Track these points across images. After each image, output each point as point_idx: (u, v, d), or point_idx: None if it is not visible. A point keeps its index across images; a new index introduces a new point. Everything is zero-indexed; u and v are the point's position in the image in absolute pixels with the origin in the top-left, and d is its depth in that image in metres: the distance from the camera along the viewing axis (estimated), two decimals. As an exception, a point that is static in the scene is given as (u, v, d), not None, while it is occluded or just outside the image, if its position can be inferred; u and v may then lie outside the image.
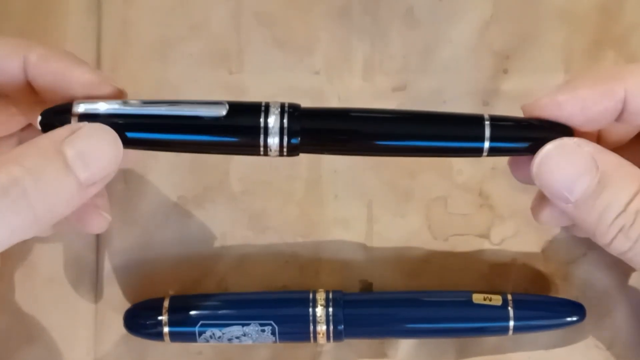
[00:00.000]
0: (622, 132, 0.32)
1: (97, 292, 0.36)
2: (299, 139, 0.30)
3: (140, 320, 0.35)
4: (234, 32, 0.37)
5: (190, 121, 0.29)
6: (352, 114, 0.31)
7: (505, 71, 0.37)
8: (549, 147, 0.29)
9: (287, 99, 0.36)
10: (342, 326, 0.34)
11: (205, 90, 0.37)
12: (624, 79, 0.29)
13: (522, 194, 0.36)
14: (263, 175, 0.37)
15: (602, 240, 0.29)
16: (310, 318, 0.34)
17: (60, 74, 0.29)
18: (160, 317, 0.34)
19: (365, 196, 0.37)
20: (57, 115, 0.29)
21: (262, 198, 0.37)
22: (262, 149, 0.30)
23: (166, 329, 0.34)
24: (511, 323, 0.34)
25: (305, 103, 0.36)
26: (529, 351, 0.36)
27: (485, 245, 0.37)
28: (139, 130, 0.29)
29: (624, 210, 0.28)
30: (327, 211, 0.37)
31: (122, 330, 0.35)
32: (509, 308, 0.34)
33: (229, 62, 0.37)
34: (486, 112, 0.36)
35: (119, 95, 0.30)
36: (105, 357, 0.36)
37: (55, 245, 0.36)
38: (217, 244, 0.37)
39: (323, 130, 0.30)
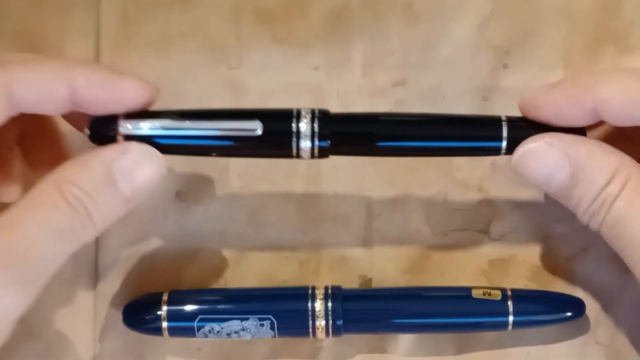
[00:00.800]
0: None
1: (96, 287, 0.36)
2: (329, 142, 0.31)
3: (139, 315, 0.35)
4: (233, 28, 0.37)
5: (226, 140, 0.32)
6: (379, 118, 0.33)
7: (505, 66, 0.37)
8: (522, 150, 0.31)
9: (286, 95, 0.37)
10: (341, 321, 0.34)
11: (205, 86, 0.37)
12: (593, 90, 0.30)
13: (522, 189, 0.36)
14: (262, 171, 0.37)
15: (581, 221, 0.31)
16: (309, 313, 0.34)
17: (110, 90, 0.30)
18: (158, 312, 0.34)
19: (364, 192, 0.37)
20: (104, 126, 0.31)
21: (262, 194, 0.37)
22: (294, 152, 0.31)
23: (165, 324, 0.34)
24: (510, 318, 0.34)
25: (305, 99, 0.37)
26: (528, 346, 0.36)
27: (485, 240, 0.37)
28: (177, 143, 0.32)
29: (595, 200, 0.30)
30: (327, 207, 0.37)
31: (121, 325, 0.35)
32: (509, 303, 0.34)
33: (228, 58, 0.37)
34: (485, 107, 0.36)
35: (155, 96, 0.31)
36: (105, 352, 0.36)
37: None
38: (217, 239, 0.37)
39: (351, 134, 0.32)
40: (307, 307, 0.34)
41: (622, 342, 0.36)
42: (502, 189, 0.37)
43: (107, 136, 0.31)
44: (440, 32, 0.37)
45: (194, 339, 0.35)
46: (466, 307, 0.34)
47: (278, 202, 0.37)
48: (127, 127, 0.31)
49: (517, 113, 0.36)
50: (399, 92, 0.37)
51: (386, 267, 0.37)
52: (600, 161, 0.30)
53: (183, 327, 0.34)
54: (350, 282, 0.37)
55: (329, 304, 0.34)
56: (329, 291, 0.35)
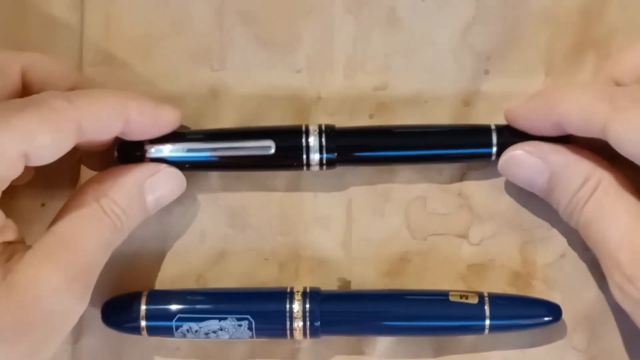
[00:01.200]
0: None
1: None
2: (336, 154, 0.34)
3: (117, 313, 0.35)
4: (216, 30, 0.37)
5: (241, 159, 0.35)
6: (380, 130, 0.36)
7: (486, 72, 0.37)
8: (505, 157, 0.34)
9: (269, 97, 0.37)
10: (319, 323, 0.34)
11: (188, 88, 0.37)
12: (556, 106, 0.32)
13: (501, 195, 0.37)
14: (243, 173, 0.37)
15: (563, 219, 0.34)
16: (287, 314, 0.34)
17: (155, 120, 0.34)
18: (137, 311, 0.34)
19: (344, 195, 0.37)
20: (131, 148, 0.35)
21: (242, 196, 0.37)
22: (305, 165, 0.35)
23: (143, 323, 0.34)
24: (487, 322, 0.34)
25: (287, 101, 0.37)
26: (505, 350, 0.36)
27: (464, 245, 0.37)
28: (195, 161, 0.35)
29: (570, 202, 0.33)
30: (307, 210, 0.37)
31: (100, 324, 0.35)
32: (485, 307, 0.34)
33: (211, 60, 0.37)
34: (467, 112, 0.37)
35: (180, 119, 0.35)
36: (82, 350, 0.36)
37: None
38: (197, 240, 0.37)
39: (355, 146, 0.35)
40: (285, 308, 0.34)
41: (599, 347, 0.36)
42: (481, 194, 0.37)
43: (135, 157, 0.35)
44: (422, 36, 0.37)
45: (173, 338, 0.35)
46: (443, 311, 0.35)
47: (258, 204, 0.37)
48: (153, 149, 0.34)
49: (498, 119, 0.36)
50: (380, 96, 0.37)
51: (365, 270, 0.37)
52: (574, 167, 0.33)
53: (161, 326, 0.35)
54: (329, 285, 0.37)
55: (307, 306, 0.34)
56: (307, 292, 0.35)
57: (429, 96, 0.37)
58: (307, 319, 0.34)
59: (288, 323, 0.34)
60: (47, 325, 0.30)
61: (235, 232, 0.37)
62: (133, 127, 0.33)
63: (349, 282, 0.37)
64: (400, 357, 0.36)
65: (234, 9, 0.37)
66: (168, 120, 0.34)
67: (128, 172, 0.34)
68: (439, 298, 0.35)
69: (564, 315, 0.35)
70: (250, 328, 0.34)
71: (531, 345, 0.36)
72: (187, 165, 0.35)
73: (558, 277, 0.36)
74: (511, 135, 0.35)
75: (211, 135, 0.35)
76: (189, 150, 0.35)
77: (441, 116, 0.37)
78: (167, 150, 0.35)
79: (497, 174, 0.36)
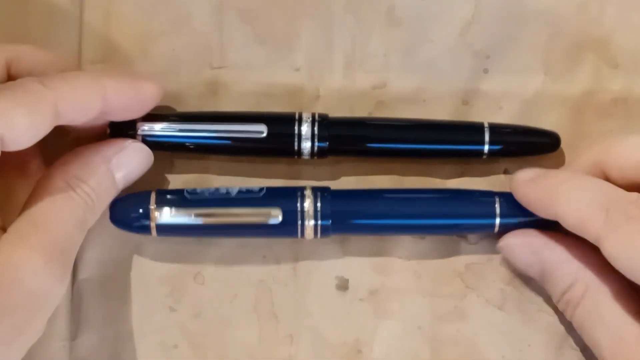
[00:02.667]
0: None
1: (73, 287, 0.36)
2: (327, 143, 0.34)
3: (127, 207, 0.35)
4: (216, 28, 0.37)
5: (234, 141, 0.35)
6: (373, 122, 0.36)
7: (485, 71, 0.37)
8: (502, 243, 0.35)
9: (268, 95, 0.37)
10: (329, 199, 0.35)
11: (187, 85, 0.37)
12: (554, 203, 0.32)
13: (500, 194, 0.37)
14: (241, 170, 0.37)
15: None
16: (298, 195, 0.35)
17: (134, 96, 0.34)
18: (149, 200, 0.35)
19: (342, 191, 0.37)
20: (123, 127, 0.35)
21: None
22: (296, 153, 0.35)
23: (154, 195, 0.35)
24: (497, 220, 0.35)
25: (286, 99, 0.37)
26: (503, 350, 0.36)
27: (462, 244, 0.37)
28: (190, 142, 0.35)
29: (560, 301, 0.34)
30: (305, 207, 0.37)
31: (97, 321, 0.36)
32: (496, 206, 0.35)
33: (210, 57, 0.37)
34: (466, 111, 0.37)
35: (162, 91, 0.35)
36: (80, 348, 0.36)
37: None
38: (194, 238, 0.37)
39: (348, 136, 0.36)
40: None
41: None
42: (480, 193, 0.37)
43: (127, 135, 0.35)
44: (421, 35, 0.37)
45: (170, 328, 0.35)
46: (459, 208, 0.35)
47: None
48: (144, 129, 0.35)
49: (496, 118, 0.36)
50: (379, 95, 0.37)
51: (363, 269, 0.37)
52: (563, 268, 0.33)
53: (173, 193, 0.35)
54: (327, 284, 0.37)
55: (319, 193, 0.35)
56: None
57: (428, 95, 0.37)
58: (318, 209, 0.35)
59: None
60: (28, 307, 0.30)
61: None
62: (113, 105, 0.33)
63: (346, 280, 0.37)
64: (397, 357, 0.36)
65: (233, 6, 0.37)
66: (148, 96, 0.34)
67: (95, 151, 0.34)
68: (456, 195, 0.35)
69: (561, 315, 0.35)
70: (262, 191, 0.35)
71: (529, 345, 0.36)
72: (178, 146, 0.35)
73: (556, 277, 0.36)
74: (504, 133, 0.35)
75: (205, 117, 0.35)
76: (181, 130, 0.35)
77: (440, 115, 0.37)
78: (157, 130, 0.35)
79: (496, 172, 0.36)
